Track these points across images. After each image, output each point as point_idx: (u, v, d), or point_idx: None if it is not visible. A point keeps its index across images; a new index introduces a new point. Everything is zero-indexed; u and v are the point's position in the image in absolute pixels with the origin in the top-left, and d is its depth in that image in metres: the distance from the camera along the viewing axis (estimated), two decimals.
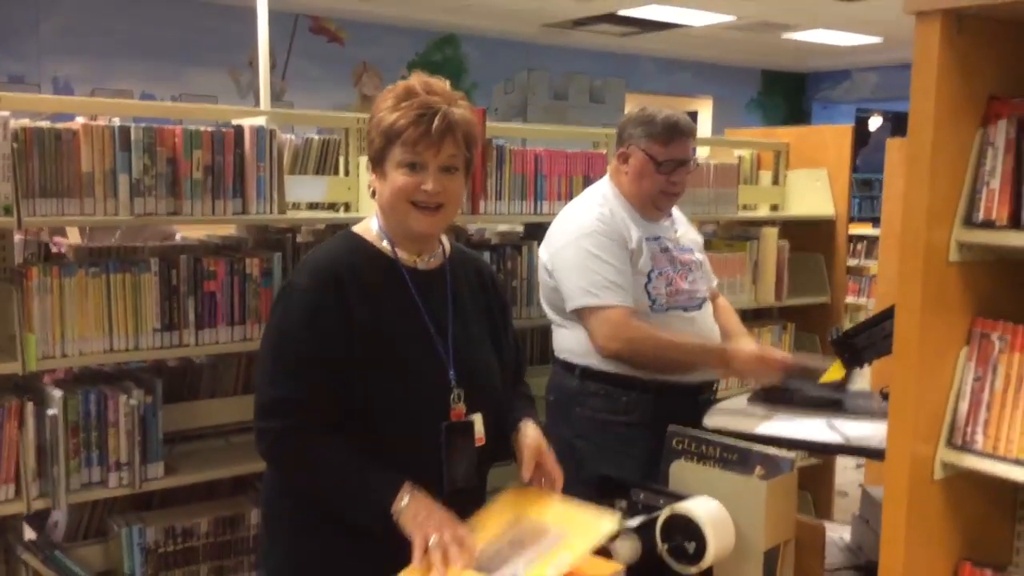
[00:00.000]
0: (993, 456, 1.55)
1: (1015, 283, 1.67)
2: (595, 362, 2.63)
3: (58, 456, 2.44)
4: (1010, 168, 1.54)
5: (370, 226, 1.98)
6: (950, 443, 1.61)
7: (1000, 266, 1.64)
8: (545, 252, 2.74)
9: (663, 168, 2.65)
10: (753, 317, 4.09)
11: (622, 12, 9.22)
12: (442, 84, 1.91)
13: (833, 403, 2.51)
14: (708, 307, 2.79)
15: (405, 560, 1.72)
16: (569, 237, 2.65)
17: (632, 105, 10.42)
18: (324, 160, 3.18)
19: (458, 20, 9.61)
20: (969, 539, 1.72)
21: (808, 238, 4.15)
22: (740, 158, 4.15)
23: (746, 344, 2.69)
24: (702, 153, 4.41)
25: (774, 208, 4.27)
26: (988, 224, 1.55)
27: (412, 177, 1.85)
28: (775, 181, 4.27)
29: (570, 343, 2.70)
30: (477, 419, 1.94)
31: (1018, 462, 1.53)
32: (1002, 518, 1.79)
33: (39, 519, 2.67)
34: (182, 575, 2.69)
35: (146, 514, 2.72)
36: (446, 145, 1.85)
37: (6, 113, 2.34)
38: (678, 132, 2.65)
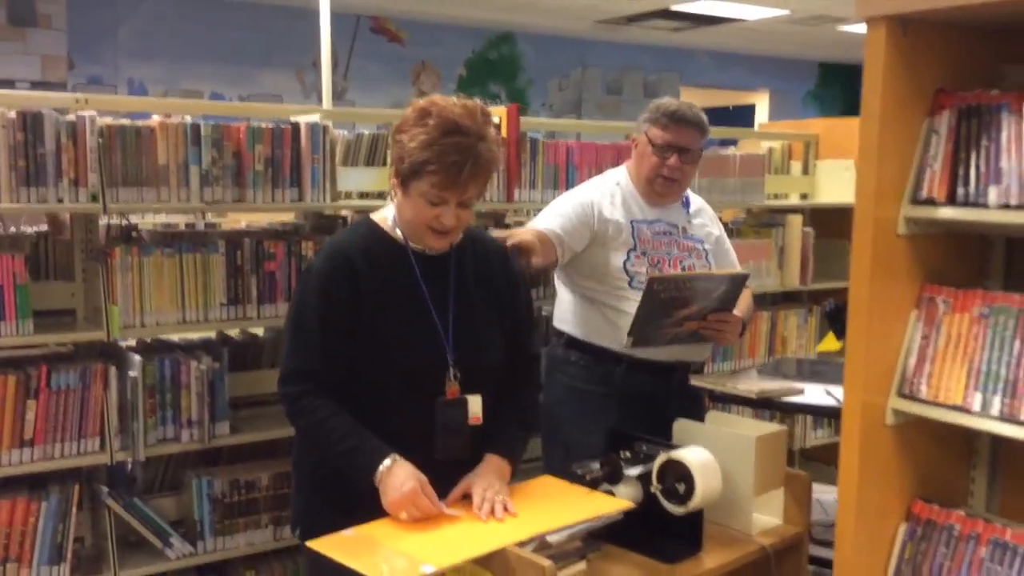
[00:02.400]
0: (935, 403, 1.78)
1: (960, 254, 1.89)
2: (577, 332, 2.81)
3: (138, 414, 2.77)
4: (950, 152, 1.76)
5: (386, 215, 2.17)
6: (900, 393, 1.84)
7: (947, 239, 1.87)
8: None
9: (658, 151, 2.76)
10: (782, 300, 4.30)
11: (674, 7, 9.36)
12: (474, 108, 2.01)
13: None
14: None
15: None
16: (562, 195, 2.91)
17: (688, 100, 10.50)
18: (374, 153, 3.48)
19: (514, 18, 9.84)
20: (924, 480, 1.94)
21: (835, 225, 4.32)
22: (770, 149, 4.36)
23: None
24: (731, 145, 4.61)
25: (803, 197, 4.46)
26: (930, 201, 1.77)
27: (433, 210, 2.01)
28: (805, 171, 4.47)
29: (562, 309, 2.91)
30: (474, 400, 2.11)
31: (955, 407, 1.75)
32: (958, 462, 2.01)
33: (116, 472, 2.99)
34: (245, 523, 3.00)
35: (214, 469, 3.04)
36: (470, 188, 2.01)
37: (92, 112, 2.68)
38: (678, 119, 2.76)
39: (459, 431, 2.10)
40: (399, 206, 2.10)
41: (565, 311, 2.89)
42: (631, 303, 2.64)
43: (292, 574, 3.12)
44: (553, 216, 2.74)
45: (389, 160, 3.37)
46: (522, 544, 1.87)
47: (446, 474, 2.08)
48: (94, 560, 2.85)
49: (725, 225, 4.13)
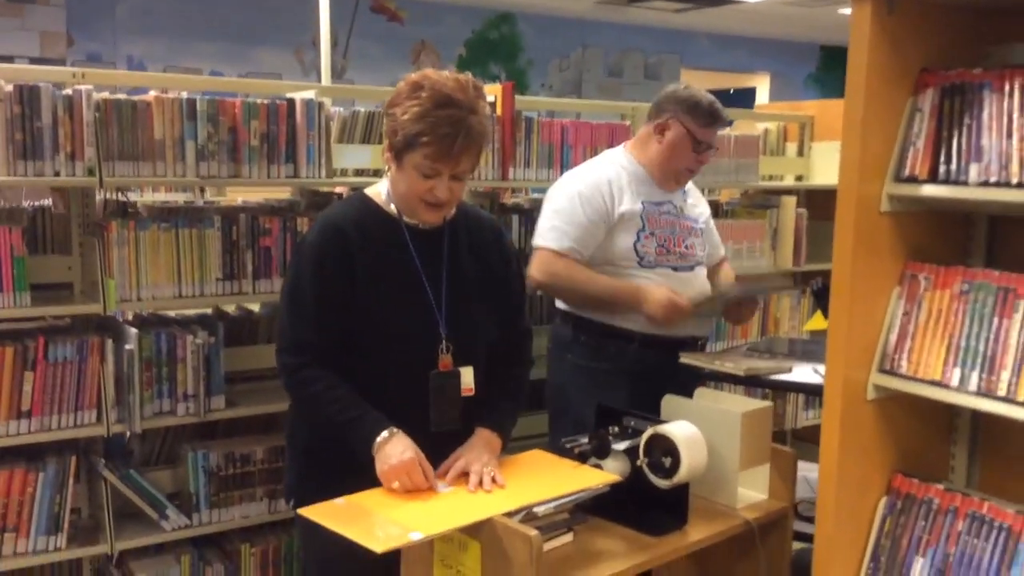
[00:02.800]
0: (914, 378, 1.81)
1: (943, 232, 1.92)
2: (586, 313, 2.85)
3: (134, 386, 2.80)
4: (932, 130, 1.79)
5: (380, 190, 2.20)
6: (881, 369, 1.87)
7: (930, 216, 1.89)
8: (549, 190, 2.97)
9: (698, 148, 2.86)
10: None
11: None
12: (466, 82, 2.04)
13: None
14: (701, 270, 2.97)
15: None
16: (564, 183, 2.89)
17: (688, 82, 10.48)
18: (370, 131, 3.50)
19: None
20: (905, 455, 1.97)
21: (829, 207, 4.29)
22: (766, 130, 4.37)
23: (657, 287, 2.79)
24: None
25: (799, 179, 4.48)
26: (912, 179, 1.80)
27: (426, 183, 2.05)
28: (800, 152, 4.49)
29: None
30: (466, 371, 2.16)
31: (934, 383, 1.78)
32: (939, 438, 2.04)
33: (112, 445, 3.02)
34: (240, 496, 3.03)
35: (210, 442, 3.07)
36: (463, 160, 2.04)
37: (89, 87, 2.70)
38: (718, 119, 2.88)
39: (452, 402, 2.14)
40: (393, 180, 2.13)
41: None
42: (641, 280, 2.77)
43: (286, 546, 3.16)
44: (567, 227, 2.78)
45: (385, 137, 3.42)
46: (510, 514, 1.90)
47: (440, 446, 2.11)
48: (90, 530, 2.89)
49: (720, 206, 4.19)
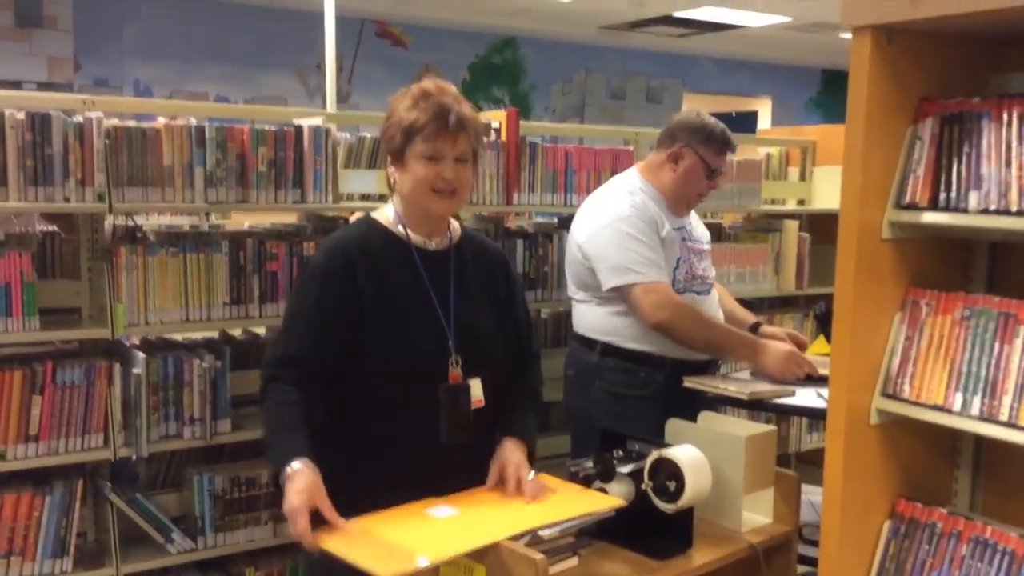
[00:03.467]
0: (917, 403, 1.83)
1: (945, 258, 1.94)
2: (616, 339, 2.87)
3: (141, 410, 2.82)
4: (932, 158, 1.81)
5: (387, 213, 2.24)
6: (884, 393, 1.88)
7: (931, 243, 1.92)
8: (581, 234, 2.90)
9: (711, 175, 2.92)
10: (778, 305, 4.35)
11: (677, 14, 9.42)
12: (452, 87, 2.16)
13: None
14: (715, 292, 3.04)
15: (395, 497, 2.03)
16: (606, 219, 2.83)
17: (690, 105, 10.58)
18: (375, 156, 3.53)
19: (518, 23, 9.89)
20: (908, 479, 1.98)
21: (831, 231, 4.30)
22: (768, 155, 4.41)
23: (777, 342, 2.88)
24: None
25: (800, 202, 4.51)
26: (913, 206, 1.82)
27: (432, 168, 2.10)
28: (802, 177, 4.52)
29: (591, 320, 2.93)
30: (475, 383, 2.17)
31: (936, 407, 1.80)
32: (942, 462, 2.05)
33: (119, 468, 3.03)
34: (245, 520, 3.04)
35: (216, 465, 3.08)
36: (460, 139, 2.11)
37: (99, 114, 2.74)
38: (730, 147, 2.95)
39: (463, 415, 2.16)
40: (400, 188, 2.17)
41: (597, 320, 2.91)
42: None
43: (291, 571, 3.16)
44: (651, 255, 2.79)
45: (384, 152, 3.44)
46: (516, 538, 1.91)
47: (452, 459, 2.13)
48: (96, 554, 2.89)
49: (722, 229, 4.22)
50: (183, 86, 8.53)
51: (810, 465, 4.00)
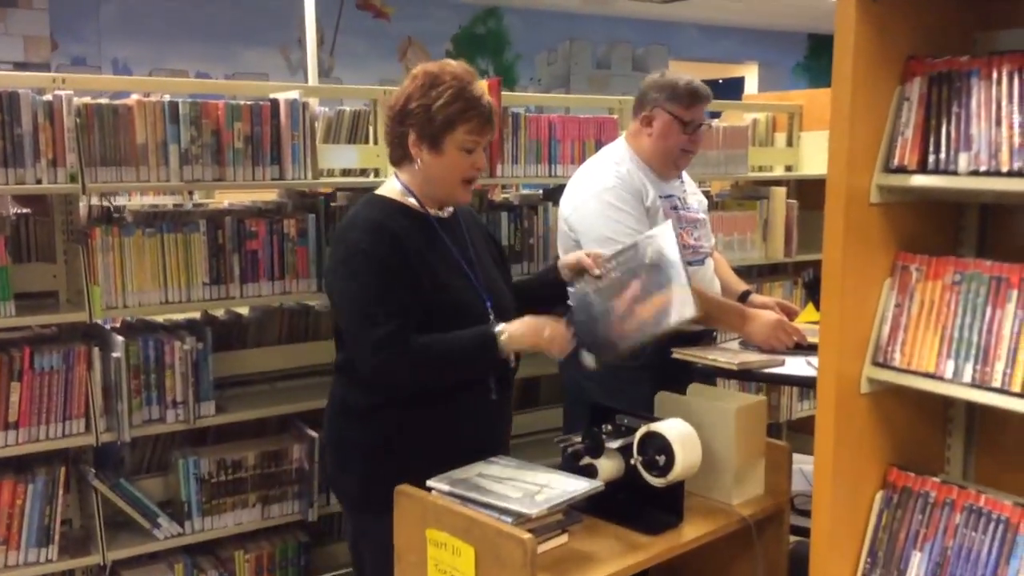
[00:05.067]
0: (908, 371, 1.79)
1: (935, 222, 1.90)
2: None
3: (122, 395, 2.77)
4: (921, 119, 1.77)
5: (393, 187, 2.29)
6: (874, 361, 1.85)
7: (921, 207, 1.87)
8: (567, 206, 2.88)
9: (687, 128, 2.86)
10: (767, 273, 4.31)
11: None
12: (471, 71, 2.25)
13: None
14: (710, 262, 2.99)
15: None
16: (590, 191, 2.80)
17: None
18: (356, 130, 3.47)
19: None
20: (900, 448, 1.95)
21: (819, 197, 4.28)
22: (754, 121, 4.35)
23: (765, 311, 2.85)
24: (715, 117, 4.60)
25: (788, 169, 4.46)
26: (901, 169, 1.77)
27: (469, 157, 2.21)
28: (789, 143, 4.46)
29: None
30: None
31: (927, 375, 1.76)
32: (934, 430, 2.02)
33: (104, 453, 3.00)
34: (232, 503, 3.01)
35: (201, 448, 3.05)
36: (493, 131, 2.27)
37: (70, 92, 2.66)
38: (700, 97, 2.87)
39: (507, 368, 2.30)
40: (427, 169, 2.22)
41: None
42: None
43: (280, 552, 3.13)
44: (631, 220, 2.73)
45: (372, 137, 3.39)
46: (503, 517, 1.88)
47: (502, 412, 2.36)
48: (82, 541, 2.86)
49: (710, 197, 4.17)
50: (163, 64, 8.42)
51: (802, 433, 3.98)
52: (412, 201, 2.26)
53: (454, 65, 2.23)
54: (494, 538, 1.82)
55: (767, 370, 2.65)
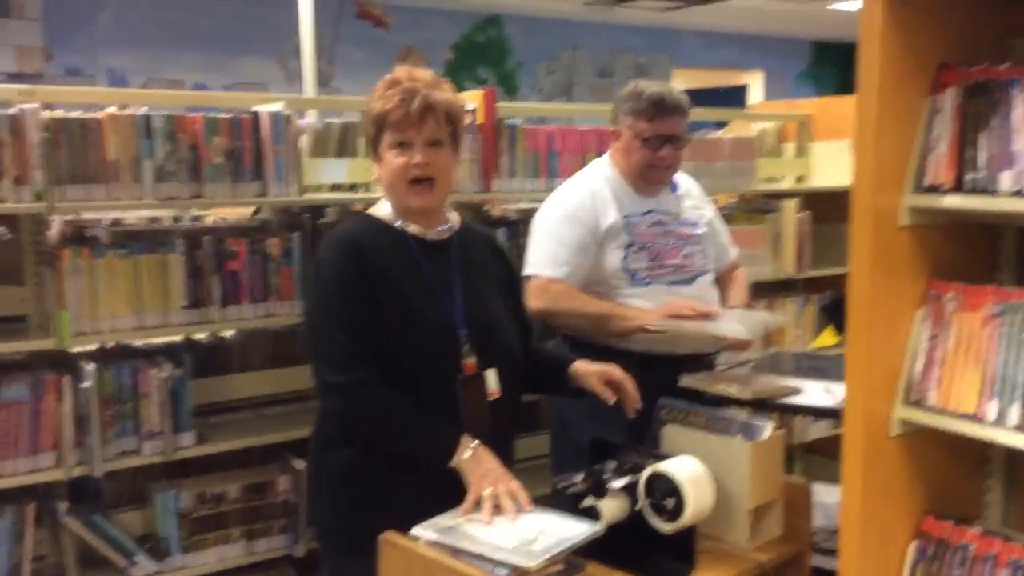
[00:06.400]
0: (944, 412, 1.62)
1: (969, 246, 1.72)
2: (586, 334, 2.69)
3: (92, 427, 2.61)
4: (956, 134, 1.59)
5: (383, 207, 2.19)
6: (906, 401, 1.67)
7: (955, 229, 1.70)
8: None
9: (649, 144, 2.67)
10: (778, 289, 4.13)
11: None
12: (425, 73, 2.11)
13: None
14: (703, 280, 2.79)
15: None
16: (549, 206, 2.76)
17: (679, 81, 10.37)
18: (347, 143, 3.30)
19: (501, 1, 9.66)
20: (934, 494, 1.78)
21: (832, 209, 4.13)
22: (762, 131, 4.18)
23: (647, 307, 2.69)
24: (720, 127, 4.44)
25: (799, 180, 4.29)
26: (934, 188, 1.60)
27: (403, 156, 2.06)
28: (799, 153, 4.29)
29: None
30: (491, 374, 2.13)
31: (968, 417, 1.59)
32: (970, 474, 1.85)
33: (81, 486, 2.84)
34: (215, 538, 2.86)
35: (182, 481, 2.88)
36: (428, 123, 2.05)
37: (36, 105, 2.51)
38: (663, 108, 2.66)
39: (480, 407, 2.11)
40: (383, 181, 2.13)
41: None
42: (635, 300, 2.64)
43: None
44: (559, 249, 2.66)
45: (362, 151, 3.22)
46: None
47: (496, 442, 2.11)
48: None
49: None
50: (159, 74, 8.28)
51: (816, 455, 3.80)
52: (398, 222, 2.15)
53: (399, 70, 2.13)
54: None
55: (783, 400, 2.48)
